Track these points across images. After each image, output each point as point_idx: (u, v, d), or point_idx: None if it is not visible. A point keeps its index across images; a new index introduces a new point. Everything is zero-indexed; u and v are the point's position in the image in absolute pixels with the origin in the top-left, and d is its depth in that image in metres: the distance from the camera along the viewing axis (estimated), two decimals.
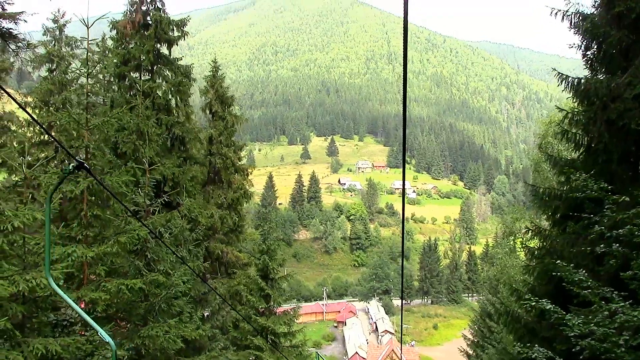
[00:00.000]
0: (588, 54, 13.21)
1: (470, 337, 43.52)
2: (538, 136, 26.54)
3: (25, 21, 13.34)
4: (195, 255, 20.25)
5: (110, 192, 7.06)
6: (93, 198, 11.84)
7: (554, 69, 13.86)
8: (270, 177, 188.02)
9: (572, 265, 10.50)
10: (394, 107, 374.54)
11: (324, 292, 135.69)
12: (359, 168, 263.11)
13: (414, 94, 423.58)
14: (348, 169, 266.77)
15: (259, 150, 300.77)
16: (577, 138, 13.23)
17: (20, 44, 13.86)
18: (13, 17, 12.84)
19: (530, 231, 14.17)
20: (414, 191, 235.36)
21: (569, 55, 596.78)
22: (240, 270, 30.00)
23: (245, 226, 31.58)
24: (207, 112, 28.22)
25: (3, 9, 12.85)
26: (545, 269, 12.75)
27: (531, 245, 14.92)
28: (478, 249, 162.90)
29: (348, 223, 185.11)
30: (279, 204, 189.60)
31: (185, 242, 21.17)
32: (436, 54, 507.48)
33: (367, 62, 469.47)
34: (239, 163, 28.94)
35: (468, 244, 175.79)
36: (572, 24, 13.07)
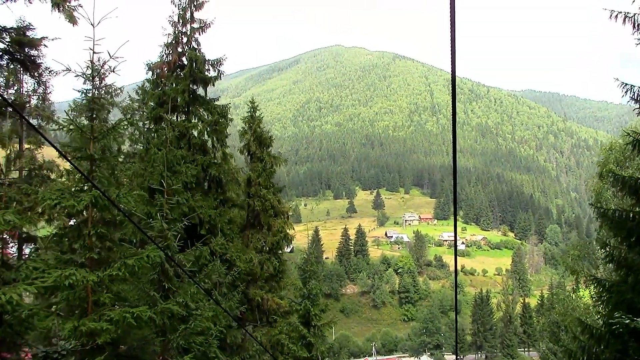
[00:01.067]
0: None
1: None
2: (599, 164, 24.88)
3: (46, 46, 13.02)
4: (231, 298, 19.24)
5: (116, 205, 6.20)
6: (100, 214, 11.02)
7: (617, 79, 12.74)
8: (317, 232, 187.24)
9: None
10: (439, 158, 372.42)
11: (373, 348, 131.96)
12: (405, 221, 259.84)
13: (460, 145, 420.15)
14: (395, 222, 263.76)
15: (305, 205, 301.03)
16: None
17: (42, 71, 13.52)
18: (35, 44, 12.52)
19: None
20: (463, 243, 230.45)
21: (617, 101, 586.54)
22: (281, 318, 28.70)
23: (286, 272, 30.46)
24: (246, 153, 27.59)
25: (24, 34, 12.54)
26: (622, 298, 11.48)
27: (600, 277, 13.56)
28: (532, 301, 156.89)
29: (396, 276, 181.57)
30: (326, 258, 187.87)
31: (220, 285, 20.24)
32: (480, 104, 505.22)
33: (410, 115, 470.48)
34: (279, 205, 28.06)
35: (521, 296, 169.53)
36: None
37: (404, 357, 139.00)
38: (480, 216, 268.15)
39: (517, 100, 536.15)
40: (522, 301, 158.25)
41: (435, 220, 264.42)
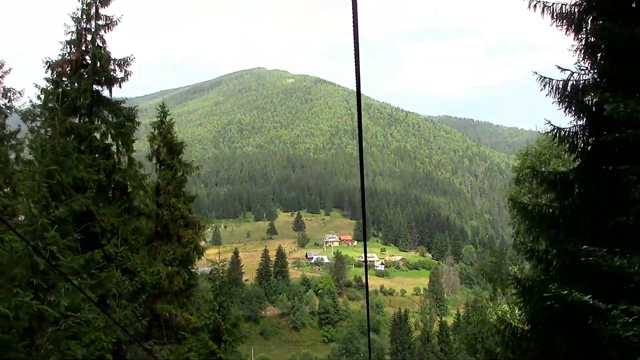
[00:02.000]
0: None
1: None
2: (515, 170, 25.11)
3: None
4: (125, 307, 17.88)
5: None
6: None
7: (535, 72, 12.78)
8: (236, 253, 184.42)
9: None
10: (360, 180, 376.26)
11: None
12: (326, 242, 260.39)
13: (379, 168, 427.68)
14: (315, 244, 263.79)
15: (225, 227, 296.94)
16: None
17: None
18: None
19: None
20: (382, 263, 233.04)
21: (527, 127, 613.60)
22: (191, 335, 27.16)
23: (198, 286, 29.10)
24: (155, 160, 26.22)
25: None
26: (545, 293, 11.26)
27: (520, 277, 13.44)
28: (449, 320, 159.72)
29: (316, 297, 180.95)
30: (245, 280, 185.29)
31: (119, 296, 18.89)
32: (399, 128, 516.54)
33: (331, 138, 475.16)
34: (190, 215, 26.83)
35: (438, 314, 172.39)
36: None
37: None
38: (399, 237, 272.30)
39: (434, 125, 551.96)
40: (439, 320, 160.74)
41: (356, 241, 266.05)
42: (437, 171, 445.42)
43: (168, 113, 26.39)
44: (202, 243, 28.13)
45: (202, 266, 33.49)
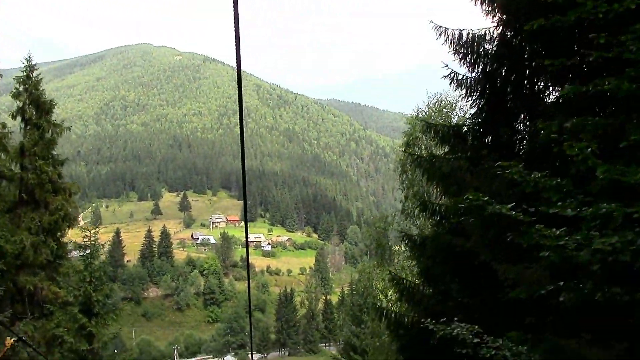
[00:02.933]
0: None
1: None
2: (405, 134, 24.81)
3: None
4: None
5: None
6: None
7: (431, 21, 12.58)
8: (118, 233, 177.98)
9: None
10: (248, 161, 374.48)
11: (175, 351, 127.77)
12: (212, 223, 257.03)
13: (267, 149, 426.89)
14: (201, 224, 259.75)
15: (107, 207, 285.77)
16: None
17: None
18: None
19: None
20: (268, 244, 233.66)
21: (411, 113, 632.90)
22: (59, 309, 25.33)
23: (68, 257, 27.27)
24: (19, 119, 24.13)
25: None
26: (439, 245, 11.25)
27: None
28: (334, 298, 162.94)
29: (201, 278, 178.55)
30: (127, 261, 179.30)
31: None
32: (288, 110, 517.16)
33: (219, 118, 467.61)
34: (59, 180, 24.99)
35: (323, 293, 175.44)
36: None
37: (207, 358, 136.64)
38: (286, 218, 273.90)
39: (322, 108, 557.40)
40: (324, 298, 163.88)
41: (243, 222, 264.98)
42: (324, 153, 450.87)
43: (35, 67, 24.37)
44: (76, 214, 26.36)
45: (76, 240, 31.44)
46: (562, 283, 6.80)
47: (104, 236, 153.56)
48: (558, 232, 6.62)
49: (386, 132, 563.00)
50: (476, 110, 12.35)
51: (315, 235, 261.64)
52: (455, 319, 8.52)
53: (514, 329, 7.97)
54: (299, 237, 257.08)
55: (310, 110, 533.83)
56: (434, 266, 11.77)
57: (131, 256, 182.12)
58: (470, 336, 7.56)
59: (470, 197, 7.83)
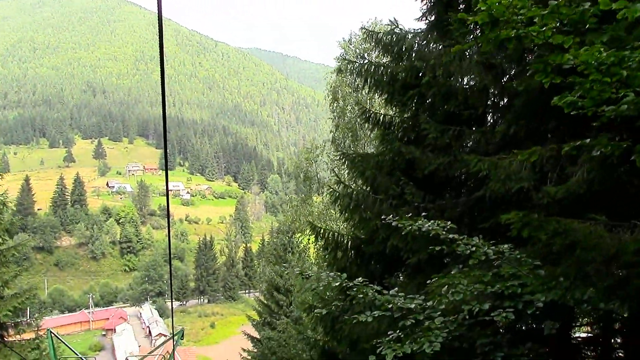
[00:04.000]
0: None
1: (257, 317, 38.92)
2: (337, 59, 23.35)
3: None
4: None
5: None
6: None
7: None
8: (27, 181, 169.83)
9: None
10: (166, 109, 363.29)
11: (90, 300, 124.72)
12: (129, 171, 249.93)
13: (187, 97, 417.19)
14: (117, 172, 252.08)
15: (15, 154, 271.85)
16: None
17: None
18: None
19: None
20: (188, 192, 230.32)
21: (333, 65, 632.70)
22: None
23: None
24: None
25: None
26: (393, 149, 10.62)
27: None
28: (254, 246, 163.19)
29: (117, 227, 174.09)
30: (38, 209, 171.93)
31: None
32: (208, 57, 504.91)
33: (136, 63, 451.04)
34: None
35: (244, 241, 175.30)
36: None
37: (124, 307, 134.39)
38: (206, 167, 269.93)
39: (244, 56, 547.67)
40: (244, 246, 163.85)
41: (161, 170, 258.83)
42: (245, 103, 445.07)
43: None
44: None
45: None
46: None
47: (12, 184, 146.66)
48: None
49: (308, 83, 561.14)
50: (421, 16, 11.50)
51: (235, 185, 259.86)
52: (423, 213, 7.89)
53: (482, 232, 7.41)
54: (219, 186, 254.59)
55: (231, 58, 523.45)
56: (381, 176, 10.97)
57: (42, 204, 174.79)
58: (444, 232, 6.86)
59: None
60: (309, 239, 26.44)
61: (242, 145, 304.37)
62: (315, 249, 22.64)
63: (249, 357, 36.03)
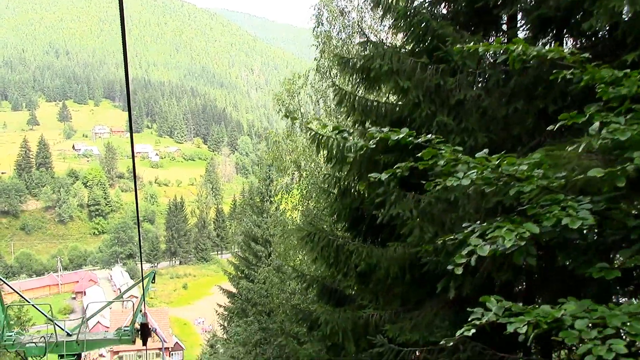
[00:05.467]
0: None
1: (233, 271, 37.42)
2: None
3: None
4: None
5: None
6: None
7: None
8: None
9: None
10: (132, 70, 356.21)
11: (59, 263, 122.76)
12: (95, 134, 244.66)
13: (153, 59, 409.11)
14: (84, 135, 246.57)
15: None
16: None
17: None
18: None
19: None
20: (156, 154, 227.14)
21: (300, 25, 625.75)
22: None
23: None
24: None
25: None
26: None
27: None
28: (225, 208, 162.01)
29: (85, 190, 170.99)
30: (2, 172, 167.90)
31: None
32: (174, 18, 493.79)
33: (100, 24, 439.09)
34: None
35: (215, 203, 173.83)
36: None
37: (94, 269, 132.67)
38: (175, 129, 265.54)
39: (211, 17, 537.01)
40: (215, 208, 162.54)
41: (128, 133, 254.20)
42: (213, 64, 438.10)
43: None
44: None
45: None
46: None
47: None
48: None
49: (276, 44, 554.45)
50: None
51: (205, 147, 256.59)
52: None
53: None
54: (188, 148, 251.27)
55: (198, 19, 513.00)
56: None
57: (6, 168, 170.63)
58: None
59: None
60: (287, 188, 24.73)
61: (211, 107, 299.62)
62: (299, 190, 21.23)
63: (225, 313, 35.08)
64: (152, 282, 17.34)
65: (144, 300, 14.46)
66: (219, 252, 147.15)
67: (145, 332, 14.84)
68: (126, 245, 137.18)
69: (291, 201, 22.47)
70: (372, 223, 9.49)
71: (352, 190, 9.41)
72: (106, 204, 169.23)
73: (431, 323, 7.26)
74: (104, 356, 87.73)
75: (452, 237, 4.96)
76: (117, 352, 79.09)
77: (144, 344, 15.48)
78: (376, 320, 8.20)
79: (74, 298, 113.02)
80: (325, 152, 9.25)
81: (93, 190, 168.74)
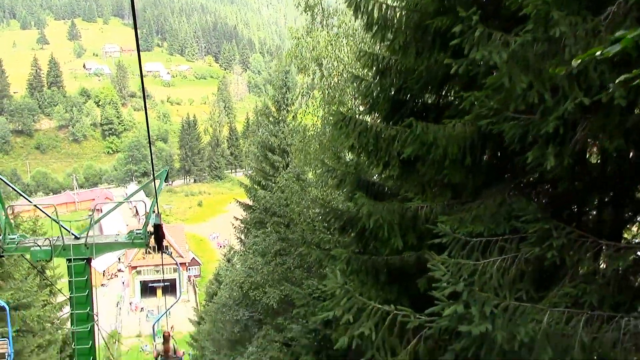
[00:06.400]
0: None
1: (249, 183, 36.54)
2: None
3: None
4: None
5: None
6: None
7: None
8: (0, 63, 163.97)
9: None
10: None
11: (74, 181, 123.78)
12: (106, 52, 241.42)
13: None
14: (94, 54, 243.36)
15: None
16: None
17: None
18: None
19: None
20: (168, 73, 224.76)
21: None
22: None
23: None
24: None
25: None
26: None
27: None
28: (238, 126, 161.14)
29: (97, 109, 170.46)
30: (14, 92, 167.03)
31: None
32: None
33: None
34: None
35: (228, 122, 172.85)
36: None
37: (109, 187, 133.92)
38: (185, 47, 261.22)
39: None
40: (228, 126, 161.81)
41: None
42: None
43: None
44: None
45: None
46: None
47: None
48: None
49: None
50: None
51: (216, 65, 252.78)
52: None
53: None
54: (200, 66, 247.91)
55: None
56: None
57: (18, 87, 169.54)
58: None
59: None
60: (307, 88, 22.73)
61: (222, 24, 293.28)
62: (321, 91, 19.60)
63: (242, 225, 34.78)
64: (165, 182, 16.62)
65: (156, 200, 13.69)
66: (233, 170, 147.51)
67: (159, 234, 14.05)
68: (140, 163, 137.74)
69: (312, 103, 21.07)
70: (416, 108, 8.56)
71: (393, 69, 8.28)
72: (119, 123, 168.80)
73: (497, 213, 6.38)
74: (122, 271, 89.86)
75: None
76: (135, 267, 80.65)
77: (159, 248, 14.68)
78: (426, 212, 7.28)
79: (91, 215, 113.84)
80: (365, 17, 8.17)
81: (105, 109, 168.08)
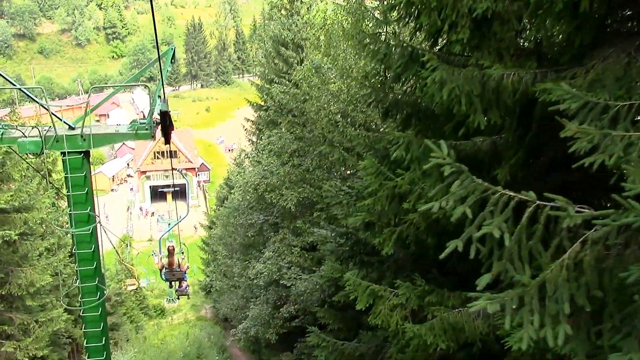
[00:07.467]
0: None
1: (259, 82, 34.06)
2: None
3: None
4: None
5: None
6: None
7: None
8: None
9: None
10: None
11: (79, 86, 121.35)
12: None
13: None
14: None
15: None
16: None
17: None
18: None
19: None
20: None
21: None
22: None
23: None
24: None
25: None
26: None
27: None
28: (245, 29, 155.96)
29: (100, 12, 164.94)
30: None
31: None
32: None
33: None
34: None
35: (234, 25, 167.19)
36: None
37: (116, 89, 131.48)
38: None
39: None
40: (235, 29, 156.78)
41: None
42: None
43: None
44: None
45: None
46: None
47: None
48: None
49: None
50: None
51: None
52: None
53: None
54: None
55: None
56: None
57: None
58: None
59: None
60: None
61: None
62: None
63: (254, 127, 33.13)
64: (171, 62, 14.44)
65: (162, 83, 11.60)
66: (240, 75, 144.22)
67: (166, 122, 11.85)
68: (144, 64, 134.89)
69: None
70: None
71: None
72: (122, 27, 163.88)
73: (626, 76, 4.53)
74: (131, 176, 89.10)
75: None
76: (144, 172, 79.56)
77: (167, 140, 12.62)
78: (514, 81, 5.20)
79: (98, 121, 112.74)
80: None
81: (108, 12, 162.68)
